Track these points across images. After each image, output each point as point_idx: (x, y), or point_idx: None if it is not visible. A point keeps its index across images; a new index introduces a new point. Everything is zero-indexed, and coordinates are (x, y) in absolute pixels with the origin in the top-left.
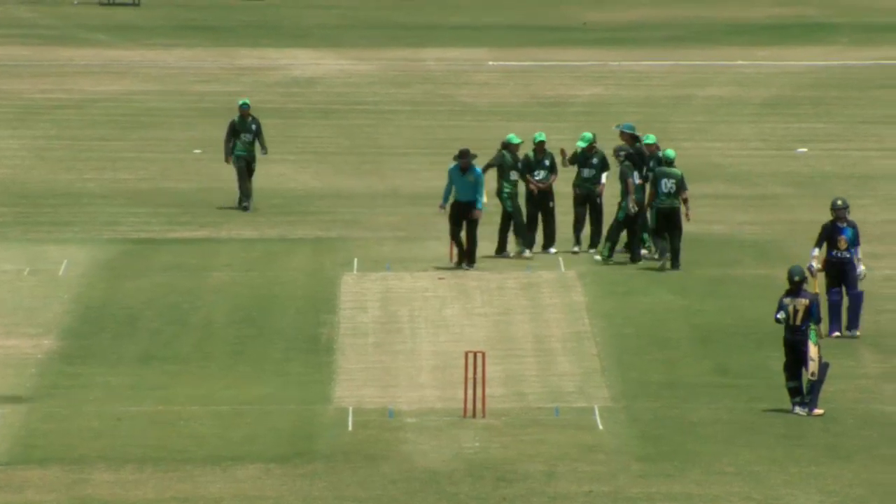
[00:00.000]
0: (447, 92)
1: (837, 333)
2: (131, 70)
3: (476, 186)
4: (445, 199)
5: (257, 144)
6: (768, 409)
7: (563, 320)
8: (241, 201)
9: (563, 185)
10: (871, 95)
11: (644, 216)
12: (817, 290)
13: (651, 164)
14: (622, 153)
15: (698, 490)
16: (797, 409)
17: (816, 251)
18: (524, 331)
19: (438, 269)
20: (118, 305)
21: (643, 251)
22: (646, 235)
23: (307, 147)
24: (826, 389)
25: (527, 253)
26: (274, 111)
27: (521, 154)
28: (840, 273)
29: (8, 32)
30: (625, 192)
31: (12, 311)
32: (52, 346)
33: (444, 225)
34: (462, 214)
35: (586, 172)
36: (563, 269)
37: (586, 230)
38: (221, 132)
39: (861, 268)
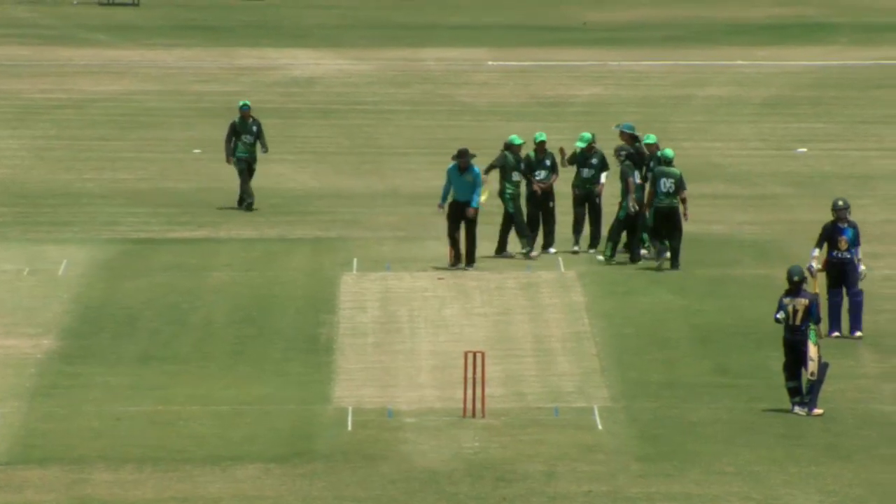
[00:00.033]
0: (447, 92)
1: (837, 334)
2: (131, 70)
3: (475, 186)
4: (444, 198)
5: (258, 145)
6: (768, 408)
7: (562, 320)
8: (242, 201)
9: (563, 186)
10: (871, 95)
11: (644, 216)
12: (817, 291)
13: (651, 163)
14: (623, 153)
15: (698, 490)
16: (797, 409)
17: (817, 251)
18: (524, 331)
19: (438, 269)
20: (117, 305)
21: (643, 251)
22: (645, 235)
23: (306, 147)
24: (825, 389)
25: (534, 253)
26: (273, 111)
27: (522, 154)
28: (840, 273)
29: (7, 32)
30: (625, 192)
31: (12, 311)
32: (51, 345)
33: (443, 225)
34: (460, 214)
35: (585, 173)
36: (562, 269)
37: (586, 230)
38: (221, 132)
39: (861, 267)
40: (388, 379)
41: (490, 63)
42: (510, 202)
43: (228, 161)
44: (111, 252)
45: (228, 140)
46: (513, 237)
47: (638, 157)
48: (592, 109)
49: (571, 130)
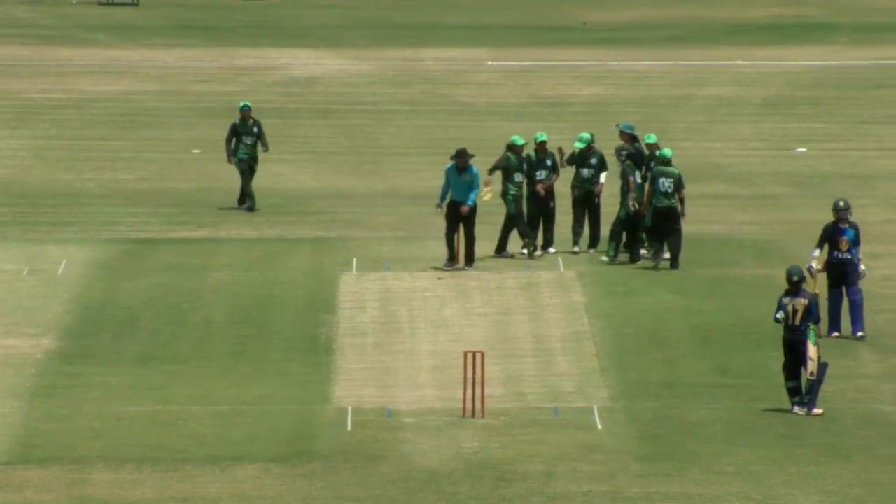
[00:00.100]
0: (446, 92)
1: (837, 334)
2: (131, 70)
3: (473, 186)
4: (442, 198)
5: (259, 146)
6: (768, 408)
7: (562, 320)
8: (243, 201)
9: (563, 186)
10: (871, 95)
11: (644, 215)
12: (817, 291)
13: (652, 163)
14: (624, 153)
15: (697, 490)
16: (796, 409)
17: (817, 252)
18: (523, 331)
19: (437, 269)
20: (117, 305)
21: (642, 251)
22: (644, 235)
23: (306, 147)
24: (825, 389)
25: (537, 253)
26: (273, 111)
27: (523, 155)
28: (841, 274)
29: (7, 32)
30: (626, 192)
31: (11, 311)
32: (51, 345)
33: (443, 225)
34: (459, 214)
35: (585, 173)
36: (562, 269)
37: (585, 231)
38: (220, 132)
39: (861, 267)
40: (387, 379)
41: (490, 63)
42: (512, 203)
43: (230, 161)
44: (111, 252)
45: (229, 141)
46: (513, 237)
47: (638, 156)
48: (592, 109)
49: (571, 130)
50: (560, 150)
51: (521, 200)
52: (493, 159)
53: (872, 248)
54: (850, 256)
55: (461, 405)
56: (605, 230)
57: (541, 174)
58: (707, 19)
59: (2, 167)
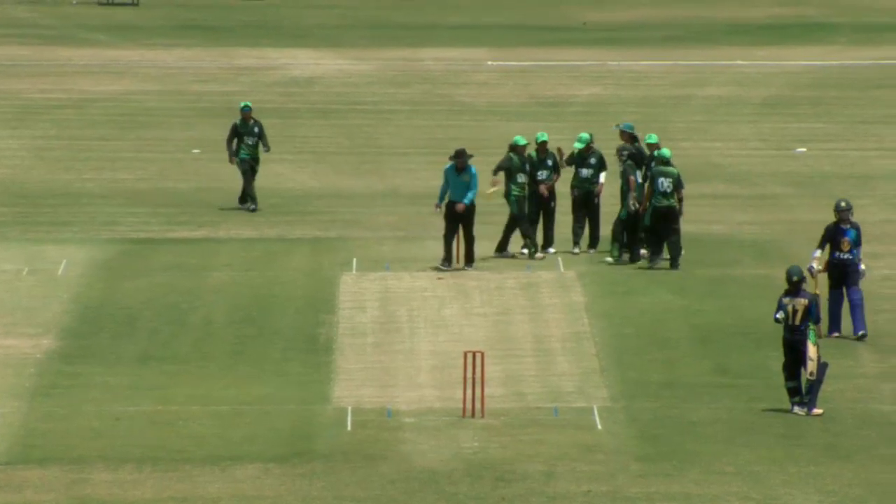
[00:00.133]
0: (446, 92)
1: (837, 334)
2: (130, 70)
3: (471, 187)
4: (441, 198)
5: (260, 146)
6: (767, 408)
7: (562, 320)
8: (244, 201)
9: (563, 186)
10: (871, 95)
11: (643, 215)
12: (817, 291)
13: (652, 163)
14: (625, 152)
15: (697, 490)
16: (796, 409)
17: (818, 252)
18: (523, 331)
19: (435, 269)
20: (117, 305)
21: (642, 251)
22: (643, 235)
23: (306, 147)
24: (825, 389)
25: (539, 254)
26: (273, 111)
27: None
28: (842, 275)
29: (7, 32)
30: (627, 191)
31: (11, 311)
32: (50, 345)
33: (442, 225)
34: (457, 214)
35: (584, 173)
36: (562, 269)
37: (585, 231)
38: (220, 132)
39: (862, 267)
40: (387, 379)
41: (490, 63)
42: (514, 203)
43: (231, 162)
44: (111, 252)
45: (230, 141)
46: (514, 237)
47: (639, 156)
48: (592, 109)
49: (571, 130)
50: (559, 150)
51: (524, 201)
52: (492, 159)
53: (872, 248)
54: (851, 257)
55: (461, 405)
56: (605, 230)
57: (542, 174)
58: (707, 19)
59: (2, 167)
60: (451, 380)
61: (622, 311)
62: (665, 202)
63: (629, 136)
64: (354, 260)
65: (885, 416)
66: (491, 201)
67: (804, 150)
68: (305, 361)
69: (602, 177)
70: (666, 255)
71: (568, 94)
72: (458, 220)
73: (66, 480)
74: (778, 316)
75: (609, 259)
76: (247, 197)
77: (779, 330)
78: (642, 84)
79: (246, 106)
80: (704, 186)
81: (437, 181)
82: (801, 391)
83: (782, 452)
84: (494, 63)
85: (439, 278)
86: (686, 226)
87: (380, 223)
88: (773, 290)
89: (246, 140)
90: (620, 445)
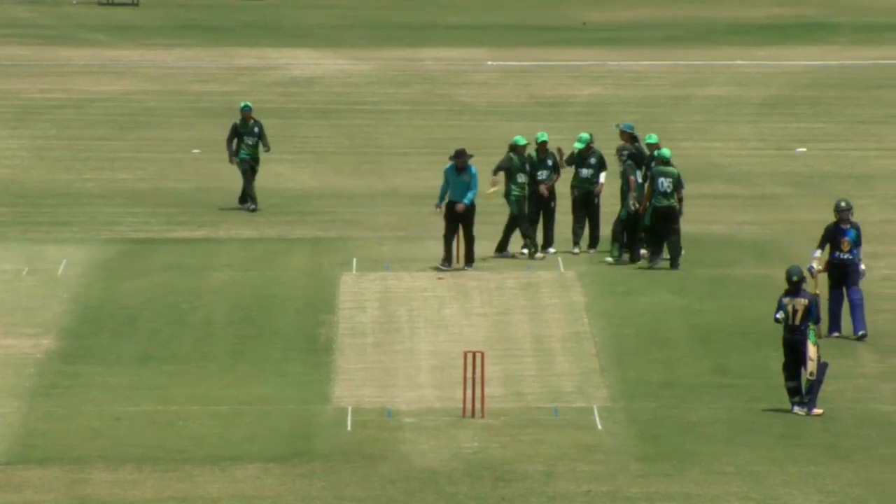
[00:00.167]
0: (446, 92)
1: (837, 334)
2: (130, 70)
3: (471, 187)
4: (441, 198)
5: (260, 146)
6: (767, 408)
7: (562, 320)
8: (244, 200)
9: (562, 186)
10: (870, 95)
11: (643, 215)
12: (818, 291)
13: (652, 163)
14: (625, 152)
15: (697, 490)
16: (796, 409)
17: (819, 253)
18: (523, 331)
19: (435, 268)
20: (117, 305)
21: (642, 251)
22: (643, 235)
23: (306, 147)
24: (825, 389)
25: (539, 255)
26: (273, 111)
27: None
28: (842, 275)
29: (7, 32)
30: (627, 191)
31: (11, 311)
32: (50, 345)
33: (443, 225)
34: (457, 214)
35: (584, 173)
36: (562, 269)
37: (585, 231)
38: (220, 132)
39: (862, 266)
40: (387, 379)
41: (490, 63)
42: (515, 203)
43: (231, 162)
44: (110, 252)
45: (230, 141)
46: (514, 237)
47: (640, 156)
48: (592, 109)
49: (571, 130)
50: (559, 150)
51: (525, 201)
52: (492, 160)
53: (872, 248)
54: (851, 257)
55: (461, 405)
56: (604, 230)
57: (542, 174)
58: (707, 19)
59: (2, 167)
60: (451, 380)
61: (622, 311)
62: (665, 202)
63: (629, 136)
64: (354, 260)
65: (885, 416)
66: (491, 201)
67: (804, 150)
68: (305, 361)
69: (602, 177)
70: (666, 255)
71: (568, 94)
72: (458, 220)
73: (66, 480)
74: (778, 316)
75: (609, 259)
76: (247, 197)
77: (779, 330)
78: (642, 84)
79: (246, 106)
80: (704, 186)
81: (437, 181)
82: (801, 391)
83: (782, 452)
84: (494, 63)
85: (439, 278)
86: (686, 226)
87: (380, 223)
88: (773, 290)
89: (246, 140)
90: (620, 445)
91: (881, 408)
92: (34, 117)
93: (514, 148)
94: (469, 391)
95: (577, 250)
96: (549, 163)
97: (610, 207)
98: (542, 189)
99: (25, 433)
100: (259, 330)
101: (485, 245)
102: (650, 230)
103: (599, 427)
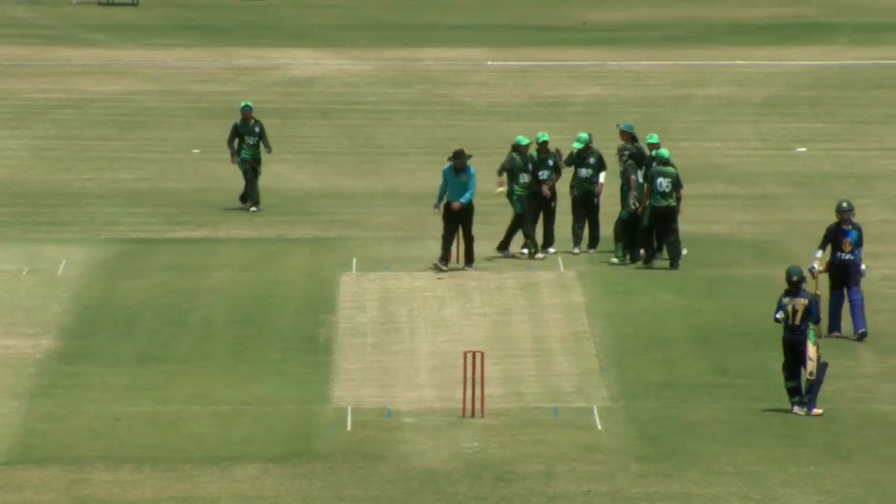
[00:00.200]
0: (446, 92)
1: (837, 334)
2: (130, 70)
3: (470, 188)
4: (440, 199)
5: (261, 146)
6: (767, 408)
7: (562, 320)
8: (245, 199)
9: (562, 186)
10: (870, 95)
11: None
12: (818, 291)
13: (652, 163)
14: (626, 152)
15: (697, 490)
16: (796, 409)
17: (820, 253)
18: (523, 331)
19: (435, 266)
20: (117, 305)
21: (642, 251)
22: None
23: (306, 147)
24: (825, 389)
25: (539, 255)
26: (273, 111)
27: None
28: (844, 275)
29: (7, 32)
30: (627, 191)
31: (11, 311)
32: (50, 345)
33: (441, 225)
34: (456, 215)
35: (583, 173)
36: (562, 269)
37: (585, 231)
38: (220, 132)
39: (863, 266)
40: (387, 379)
41: (490, 63)
42: (517, 203)
43: (233, 161)
44: (110, 252)
45: (231, 141)
46: (515, 237)
47: (640, 156)
48: (592, 109)
49: (571, 130)
50: (558, 150)
51: (527, 201)
52: (492, 159)
53: (872, 248)
54: (852, 258)
55: (461, 405)
56: (605, 230)
57: (543, 174)
58: (707, 19)
59: (2, 167)
60: (451, 380)
61: (622, 311)
62: (664, 202)
63: (629, 136)
64: (354, 260)
65: (885, 416)
66: (498, 201)
67: (804, 149)
68: (305, 361)
69: (602, 177)
70: (665, 255)
71: (568, 94)
72: (457, 220)
73: (66, 480)
74: (778, 316)
75: (614, 259)
76: (248, 197)
77: (778, 330)
78: (642, 84)
79: (246, 106)
80: (704, 186)
81: (437, 181)
82: (801, 391)
83: (782, 452)
84: (494, 63)
85: (439, 278)
86: (686, 226)
87: (380, 223)
88: (772, 290)
89: (247, 140)
90: (620, 445)
91: (881, 408)
92: (34, 117)
93: (517, 148)
94: (469, 391)
95: (577, 250)
96: (551, 163)
97: (610, 207)
98: (545, 189)
99: (25, 433)
100: (258, 330)
101: (485, 245)
102: (647, 231)
103: (599, 427)
